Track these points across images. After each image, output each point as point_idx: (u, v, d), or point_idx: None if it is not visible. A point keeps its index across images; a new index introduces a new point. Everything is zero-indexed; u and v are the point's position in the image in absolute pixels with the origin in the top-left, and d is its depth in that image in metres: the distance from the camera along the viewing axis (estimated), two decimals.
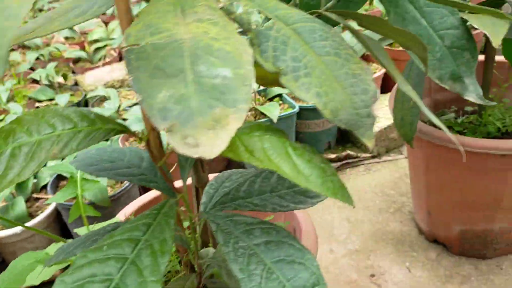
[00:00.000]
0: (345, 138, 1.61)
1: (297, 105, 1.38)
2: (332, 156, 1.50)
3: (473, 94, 0.68)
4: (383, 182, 1.38)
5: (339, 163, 1.47)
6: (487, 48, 0.96)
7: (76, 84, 2.02)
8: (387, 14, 0.71)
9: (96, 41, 2.35)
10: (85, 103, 1.84)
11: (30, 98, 1.85)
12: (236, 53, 0.27)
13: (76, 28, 2.58)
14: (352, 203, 0.35)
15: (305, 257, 0.38)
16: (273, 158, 0.36)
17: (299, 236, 0.69)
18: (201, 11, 0.32)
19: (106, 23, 2.64)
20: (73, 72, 2.21)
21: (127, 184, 1.16)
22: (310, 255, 0.38)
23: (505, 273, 1.02)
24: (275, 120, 1.30)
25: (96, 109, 1.59)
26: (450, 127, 1.02)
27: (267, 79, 0.71)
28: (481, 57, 0.98)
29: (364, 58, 1.69)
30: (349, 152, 1.49)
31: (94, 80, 1.93)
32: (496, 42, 0.63)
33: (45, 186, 1.24)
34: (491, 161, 0.87)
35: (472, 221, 0.99)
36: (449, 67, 0.67)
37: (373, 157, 1.48)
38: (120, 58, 2.27)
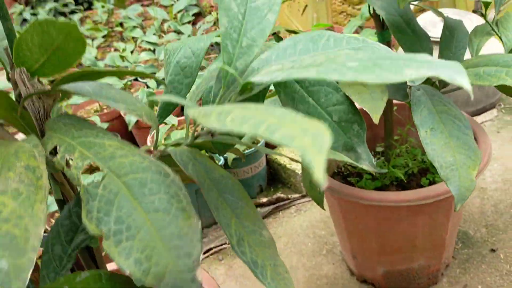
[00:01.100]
0: (275, 179, 1.64)
1: (221, 158, 1.40)
2: (264, 200, 1.52)
3: (366, 162, 0.72)
4: (314, 223, 1.41)
5: (271, 207, 1.50)
6: None
7: None
8: (277, 95, 0.73)
9: None
10: None
11: None
12: (23, 237, 0.27)
13: None
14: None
15: None
16: None
17: None
18: (13, 176, 0.31)
19: None
20: None
21: None
22: None
23: None
24: None
25: None
26: (361, 174, 1.07)
27: None
28: None
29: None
30: (279, 194, 1.51)
31: None
32: (376, 118, 0.67)
33: None
34: (401, 210, 0.92)
35: (394, 262, 1.03)
36: (341, 140, 0.71)
37: (303, 196, 1.52)
38: None
